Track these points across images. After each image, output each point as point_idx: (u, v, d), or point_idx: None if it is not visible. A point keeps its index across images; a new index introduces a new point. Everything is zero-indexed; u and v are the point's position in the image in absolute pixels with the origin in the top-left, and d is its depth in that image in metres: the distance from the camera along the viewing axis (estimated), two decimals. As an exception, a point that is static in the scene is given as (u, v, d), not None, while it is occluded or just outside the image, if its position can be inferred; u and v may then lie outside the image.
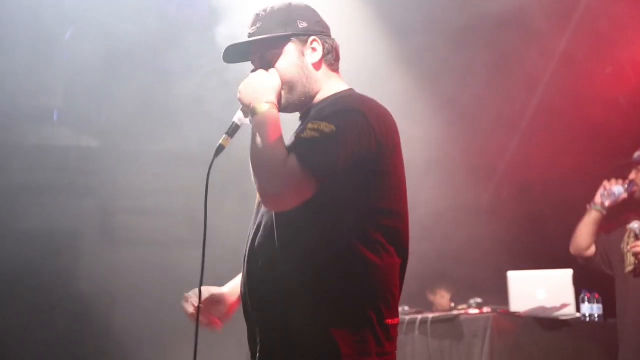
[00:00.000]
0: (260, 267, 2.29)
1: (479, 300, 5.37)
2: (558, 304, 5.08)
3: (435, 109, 6.24)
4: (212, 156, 2.34)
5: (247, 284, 2.33)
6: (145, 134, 5.89)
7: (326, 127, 2.17)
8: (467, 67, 6.14)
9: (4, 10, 5.19)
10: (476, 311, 5.12)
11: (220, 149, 2.35)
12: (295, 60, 2.39)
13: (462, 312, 5.14)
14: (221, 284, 2.58)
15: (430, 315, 4.96)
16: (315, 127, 2.18)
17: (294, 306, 2.21)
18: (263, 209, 2.34)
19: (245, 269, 2.35)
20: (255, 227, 2.36)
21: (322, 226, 2.21)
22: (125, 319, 5.77)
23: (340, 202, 2.21)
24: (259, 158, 2.19)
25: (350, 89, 2.44)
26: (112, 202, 6.19)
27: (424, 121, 6.06)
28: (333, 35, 2.49)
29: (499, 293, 5.37)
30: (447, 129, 6.30)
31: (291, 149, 2.18)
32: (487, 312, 4.98)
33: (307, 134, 2.18)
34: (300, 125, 2.41)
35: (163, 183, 6.11)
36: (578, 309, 5.13)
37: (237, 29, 4.96)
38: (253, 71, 2.41)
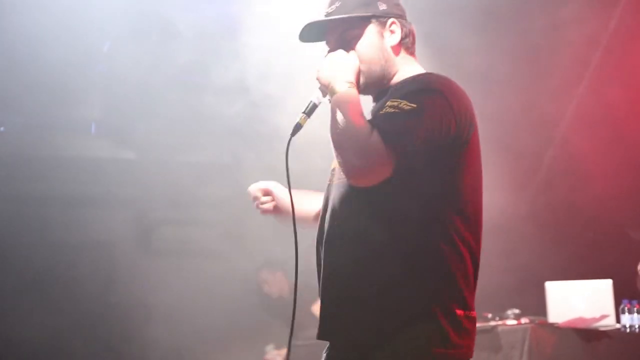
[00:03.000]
0: (335, 255, 2.28)
1: (516, 310, 5.30)
2: (597, 315, 5.00)
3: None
4: (290, 134, 2.32)
5: (324, 270, 2.32)
6: (180, 146, 5.94)
7: (406, 105, 2.18)
8: (502, 67, 6.04)
9: (43, 24, 5.26)
10: (514, 322, 5.06)
11: (297, 127, 2.33)
12: (375, 41, 2.37)
13: (500, 323, 5.09)
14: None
15: (467, 326, 4.91)
16: (396, 104, 2.19)
17: (359, 293, 2.21)
18: (332, 194, 2.34)
19: (323, 255, 2.34)
20: (328, 212, 2.35)
21: (394, 213, 2.21)
22: (161, 330, 5.80)
23: (416, 188, 2.20)
24: (343, 133, 2.17)
25: (428, 72, 2.41)
26: (148, 213, 6.25)
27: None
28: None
29: (537, 303, 5.31)
30: (482, 131, 6.21)
31: (372, 125, 2.17)
32: (525, 323, 4.93)
33: (388, 110, 2.19)
34: (376, 104, 2.40)
35: (198, 194, 6.15)
36: (618, 320, 5.06)
37: (264, 40, 5.01)
38: (331, 50, 2.38)
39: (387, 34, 2.38)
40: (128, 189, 6.03)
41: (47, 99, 5.56)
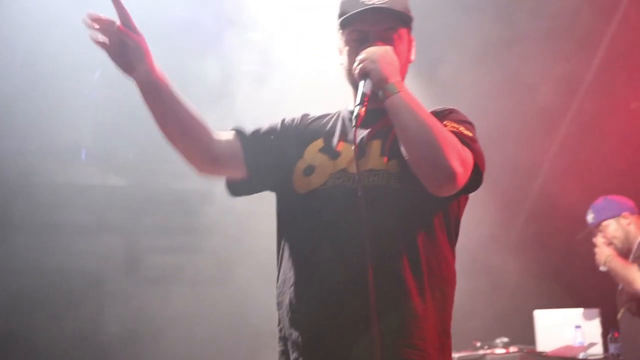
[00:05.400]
0: (384, 276, 2.13)
1: (505, 339, 5.31)
2: (585, 343, 5.02)
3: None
4: (354, 126, 2.12)
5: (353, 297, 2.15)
6: (170, 173, 5.94)
7: (465, 129, 2.19)
8: (490, 87, 6.05)
9: (35, 51, 5.28)
10: (502, 351, 5.07)
11: (358, 118, 2.09)
12: (406, 50, 2.29)
13: (489, 351, 5.10)
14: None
15: (456, 355, 4.92)
16: (456, 125, 2.18)
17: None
18: (370, 200, 2.12)
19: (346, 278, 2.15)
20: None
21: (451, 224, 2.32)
22: (152, 358, 5.76)
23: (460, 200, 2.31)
24: (440, 136, 2.03)
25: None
26: (138, 240, 6.22)
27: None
28: None
29: (526, 332, 5.32)
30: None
31: None
32: (514, 352, 4.94)
33: (451, 128, 2.16)
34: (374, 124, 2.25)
35: (188, 221, 6.14)
36: (606, 349, 5.07)
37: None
38: (372, 44, 2.20)
39: (412, 48, 2.33)
40: (118, 216, 6.02)
41: (38, 126, 5.56)
